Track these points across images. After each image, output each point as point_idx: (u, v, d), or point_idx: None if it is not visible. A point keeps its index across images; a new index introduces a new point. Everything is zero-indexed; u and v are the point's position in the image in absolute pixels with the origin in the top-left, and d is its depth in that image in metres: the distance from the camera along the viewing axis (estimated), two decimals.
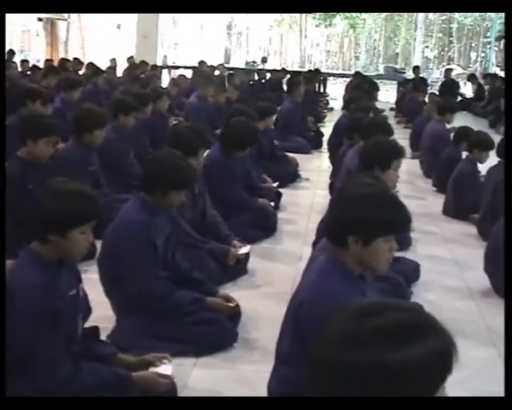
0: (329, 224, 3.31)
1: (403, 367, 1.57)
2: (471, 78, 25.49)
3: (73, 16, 34.39)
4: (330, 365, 1.63)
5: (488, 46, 50.20)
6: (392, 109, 20.15)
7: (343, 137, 9.08)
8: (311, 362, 1.71)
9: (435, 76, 40.20)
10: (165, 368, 3.97)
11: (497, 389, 4.57)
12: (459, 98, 22.09)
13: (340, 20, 60.39)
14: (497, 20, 46.63)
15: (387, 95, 25.91)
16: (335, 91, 25.75)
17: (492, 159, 8.35)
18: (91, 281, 4.85)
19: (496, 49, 48.74)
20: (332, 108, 19.91)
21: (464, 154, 9.29)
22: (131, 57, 22.12)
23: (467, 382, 4.60)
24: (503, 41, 48.73)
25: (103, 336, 4.30)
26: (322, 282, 3.23)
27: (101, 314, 4.67)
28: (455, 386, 4.41)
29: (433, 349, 1.61)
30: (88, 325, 3.91)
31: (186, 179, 4.91)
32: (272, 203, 8.03)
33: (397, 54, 64.68)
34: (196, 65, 22.50)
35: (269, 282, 6.27)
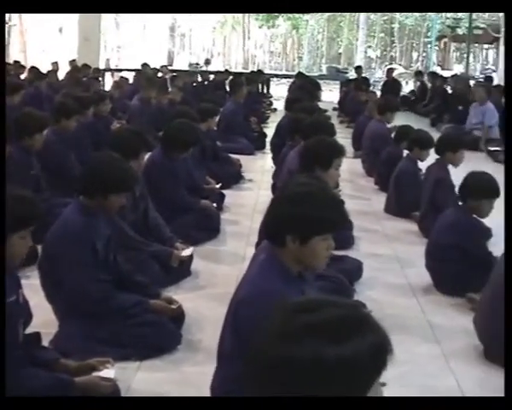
0: (267, 223, 3.33)
1: (338, 363, 1.59)
2: (417, 75, 25.71)
3: (14, 19, 33.92)
4: (266, 361, 1.65)
5: (429, 46, 50.81)
6: (334, 109, 20.26)
7: (285, 137, 9.12)
8: (249, 359, 1.72)
9: (378, 76, 40.58)
10: (108, 372, 3.96)
11: (436, 384, 4.65)
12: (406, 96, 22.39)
13: (282, 21, 60.55)
14: (437, 20, 47.27)
15: (331, 95, 26.03)
16: (279, 92, 25.81)
17: (432, 157, 8.44)
18: (34, 287, 4.82)
19: (436, 48, 49.43)
20: (275, 109, 19.95)
21: (405, 152, 9.39)
22: (74, 60, 21.92)
23: (408, 377, 4.68)
24: (443, 40, 49.51)
25: (46, 342, 4.27)
26: (260, 281, 3.25)
27: (44, 320, 4.64)
28: (396, 381, 4.51)
29: (369, 345, 1.63)
30: (30, 330, 3.88)
31: (126, 182, 4.89)
32: (215, 204, 8.03)
33: (340, 54, 65.07)
34: (139, 67, 22.42)
35: (212, 283, 6.28)
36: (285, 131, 9.50)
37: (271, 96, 23.54)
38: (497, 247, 5.37)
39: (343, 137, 14.91)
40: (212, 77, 23.05)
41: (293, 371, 1.60)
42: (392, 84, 22.70)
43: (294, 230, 3.18)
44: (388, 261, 7.19)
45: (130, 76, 20.83)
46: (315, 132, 6.71)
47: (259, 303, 2.94)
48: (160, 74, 20.70)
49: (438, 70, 38.21)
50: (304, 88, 14.25)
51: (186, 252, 6.32)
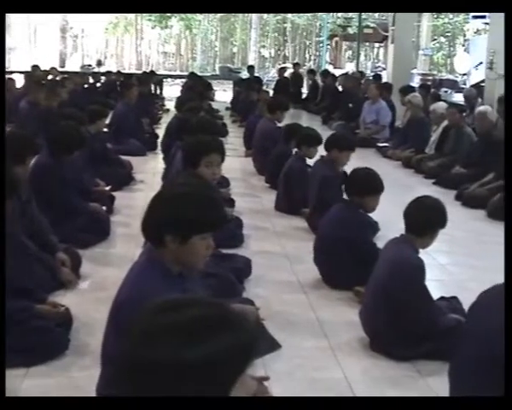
0: (146, 223, 3.33)
1: (199, 362, 1.59)
2: (309, 73, 26.01)
3: None
4: (130, 361, 1.65)
5: (321, 45, 51.45)
6: (227, 109, 20.35)
7: (175, 137, 9.11)
8: (116, 360, 1.73)
9: (272, 75, 40.87)
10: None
11: (324, 376, 4.73)
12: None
13: (176, 22, 60.37)
14: (328, 19, 47.90)
15: (224, 95, 26.13)
16: (173, 93, 25.76)
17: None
18: None
19: (328, 47, 50.06)
20: (168, 110, 19.86)
21: (294, 150, 9.48)
22: None
23: (297, 371, 4.74)
24: (334, 39, 50.19)
25: None
26: (140, 282, 3.25)
27: None
28: (286, 376, 4.55)
29: (230, 343, 1.64)
30: None
31: (8, 187, 4.81)
32: (105, 207, 7.97)
33: (234, 54, 65.33)
34: (29, 70, 22.00)
35: (102, 286, 6.22)
36: (174, 131, 9.49)
37: (164, 98, 23.46)
38: (384, 240, 5.48)
39: (236, 136, 15.05)
40: (103, 78, 22.82)
41: (155, 371, 1.60)
42: (283, 83, 22.93)
43: (173, 230, 3.19)
44: (278, 258, 7.24)
45: (21, 78, 20.42)
46: (201, 132, 6.74)
47: (139, 304, 2.93)
48: (50, 76, 20.36)
49: (330, 68, 38.77)
50: (194, 88, 14.26)
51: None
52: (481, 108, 11.69)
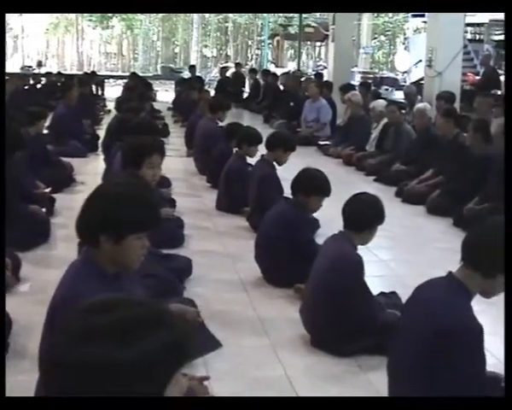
0: (81, 224, 3.31)
1: (132, 362, 1.59)
2: (251, 72, 26.05)
3: None
4: (63, 362, 1.64)
5: (262, 44, 51.56)
6: (169, 109, 20.28)
7: (115, 138, 9.06)
8: (48, 361, 1.71)
9: (214, 74, 40.85)
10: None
11: (266, 374, 4.74)
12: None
13: (117, 22, 59.98)
14: (269, 18, 48.02)
15: (167, 95, 26.02)
16: (114, 93, 25.57)
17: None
18: None
19: (270, 46, 50.21)
20: (110, 111, 19.70)
21: (235, 150, 9.49)
22: None
23: (238, 370, 4.75)
24: (276, 39, 50.37)
25: None
26: (74, 283, 3.23)
27: None
28: (228, 375, 4.55)
29: (163, 344, 1.64)
30: None
31: None
32: (45, 209, 7.90)
33: (176, 54, 65.12)
34: None
35: (42, 289, 6.14)
36: (114, 132, 9.43)
37: (105, 98, 23.30)
38: (325, 237, 5.52)
39: (177, 136, 15.02)
40: (44, 80, 22.59)
41: (88, 372, 1.59)
42: (225, 83, 22.94)
43: (108, 230, 3.18)
44: (219, 257, 7.26)
45: None
46: (141, 133, 6.72)
47: (73, 305, 2.91)
48: None
49: (272, 68, 38.88)
50: (135, 89, 14.19)
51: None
52: (420, 105, 11.83)
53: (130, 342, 1.61)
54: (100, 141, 12.71)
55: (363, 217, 5.02)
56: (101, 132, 13.98)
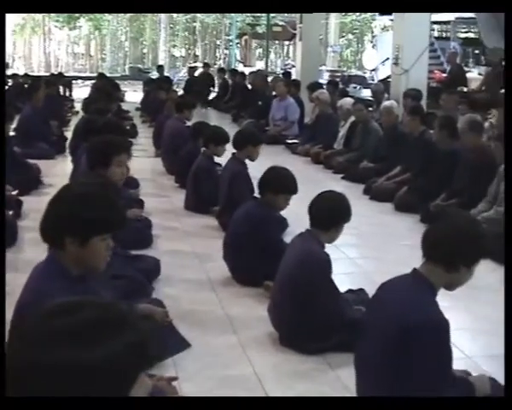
0: (45, 226, 3.30)
1: (93, 365, 1.58)
2: (219, 72, 26.03)
3: None
4: (26, 365, 1.63)
5: (230, 43, 51.55)
6: (137, 109, 20.21)
7: (82, 139, 9.01)
8: (9, 362, 1.71)
9: (182, 74, 40.79)
10: None
11: (235, 373, 4.75)
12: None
13: (84, 22, 59.66)
14: (237, 18, 48.03)
15: (135, 95, 25.92)
16: (82, 94, 25.40)
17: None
18: None
19: (238, 45, 50.22)
20: (77, 112, 19.59)
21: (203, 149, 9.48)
22: None
23: (208, 369, 4.76)
24: (244, 38, 50.42)
25: None
26: (38, 285, 3.22)
27: None
28: (198, 374, 4.55)
29: (125, 345, 1.63)
30: None
31: None
32: (11, 212, 7.85)
33: (144, 54, 64.92)
34: None
35: (9, 292, 6.10)
36: (81, 132, 9.39)
37: (73, 99, 23.17)
38: (294, 236, 5.54)
39: (145, 136, 14.99)
40: (10, 81, 22.41)
41: (51, 375, 1.59)
42: (193, 82, 22.91)
43: (72, 231, 3.17)
44: (187, 257, 7.25)
45: None
46: (106, 133, 6.70)
47: (36, 308, 2.90)
48: None
49: (241, 67, 38.88)
50: (102, 89, 14.13)
51: None
52: (386, 102, 11.89)
53: (92, 344, 1.61)
54: (67, 142, 12.64)
55: (330, 215, 5.04)
56: (69, 134, 13.93)
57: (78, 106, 20.99)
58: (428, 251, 3.47)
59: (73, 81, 27.06)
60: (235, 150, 8.13)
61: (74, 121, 16.34)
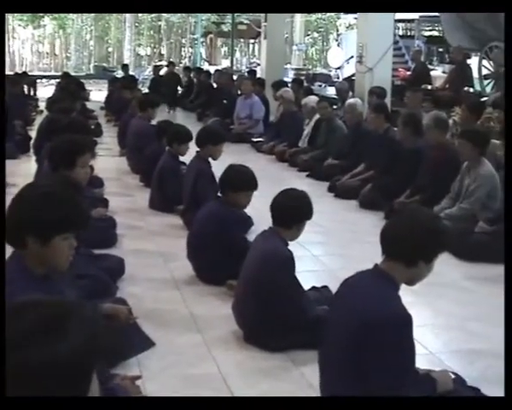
0: (7, 226, 3.28)
1: (46, 365, 1.60)
2: (185, 71, 25.98)
3: None
4: None
5: (196, 42, 51.47)
6: (102, 108, 20.12)
7: (45, 138, 8.97)
8: None
9: (148, 73, 40.65)
10: None
11: (199, 372, 4.75)
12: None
13: (49, 21, 59.24)
14: (202, 16, 47.95)
15: (100, 94, 25.80)
16: (47, 93, 25.25)
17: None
18: None
19: (204, 44, 50.15)
20: (42, 111, 19.49)
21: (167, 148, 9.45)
22: None
23: (172, 368, 4.75)
24: (209, 36, 50.38)
25: None
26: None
27: None
28: (161, 372, 4.54)
29: (79, 341, 1.66)
30: None
31: None
32: None
33: (109, 53, 64.59)
34: None
35: None
36: (44, 132, 9.34)
37: (38, 98, 23.02)
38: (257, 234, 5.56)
39: (110, 135, 14.94)
40: None
41: (18, 375, 1.60)
42: (158, 81, 22.85)
43: (34, 231, 3.17)
44: (152, 256, 7.24)
45: None
46: (70, 132, 6.67)
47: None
48: None
49: (206, 66, 38.84)
50: (66, 88, 14.07)
51: None
52: (350, 100, 11.95)
53: (41, 344, 1.62)
54: (31, 142, 12.56)
55: (291, 213, 5.05)
56: (34, 133, 13.84)
57: (42, 105, 20.90)
58: (387, 248, 3.50)
59: (38, 80, 26.93)
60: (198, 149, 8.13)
61: (39, 121, 16.24)
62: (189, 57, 56.62)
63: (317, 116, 12.60)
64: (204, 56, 49.99)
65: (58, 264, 3.29)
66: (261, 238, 5.25)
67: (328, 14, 55.09)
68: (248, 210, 6.93)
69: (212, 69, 27.29)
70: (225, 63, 44.30)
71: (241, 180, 6.28)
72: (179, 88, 23.05)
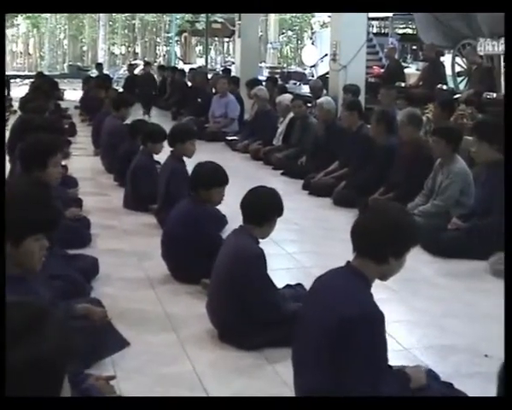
0: None
1: (19, 365, 1.60)
2: (159, 69, 25.94)
3: None
4: None
5: (170, 41, 51.39)
6: (76, 108, 20.03)
7: (18, 138, 8.91)
8: None
9: (122, 72, 40.54)
10: None
11: (174, 370, 4.75)
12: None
13: (22, 20, 58.98)
14: (176, 15, 47.87)
15: (74, 93, 25.70)
16: (21, 93, 25.08)
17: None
18: None
19: (178, 43, 50.06)
20: (16, 111, 19.37)
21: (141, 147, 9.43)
22: None
23: (146, 367, 4.74)
24: (184, 35, 50.27)
25: None
26: None
27: None
28: (135, 372, 4.53)
29: (51, 342, 1.66)
30: None
31: None
32: None
33: (84, 52, 64.39)
34: None
35: None
36: (17, 132, 9.29)
37: (12, 98, 22.89)
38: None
39: (84, 135, 14.88)
40: None
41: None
42: (132, 80, 22.79)
43: (5, 232, 3.15)
44: (126, 256, 7.22)
45: None
46: (43, 132, 6.64)
47: None
48: None
49: (181, 64, 38.78)
50: (39, 88, 14.00)
51: None
52: (322, 98, 11.96)
53: (21, 343, 1.62)
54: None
55: (262, 210, 5.06)
56: (7, 133, 13.76)
57: (16, 105, 20.79)
58: (357, 245, 3.51)
59: (12, 80, 26.72)
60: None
61: (12, 121, 16.15)
62: (164, 56, 56.55)
63: (292, 114, 12.63)
64: (179, 55, 49.87)
65: (30, 265, 3.29)
66: (232, 236, 5.26)
67: None
68: (223, 208, 6.92)
69: (186, 68, 27.24)
70: (200, 62, 44.30)
71: (212, 177, 6.29)
72: (153, 92, 22.93)
